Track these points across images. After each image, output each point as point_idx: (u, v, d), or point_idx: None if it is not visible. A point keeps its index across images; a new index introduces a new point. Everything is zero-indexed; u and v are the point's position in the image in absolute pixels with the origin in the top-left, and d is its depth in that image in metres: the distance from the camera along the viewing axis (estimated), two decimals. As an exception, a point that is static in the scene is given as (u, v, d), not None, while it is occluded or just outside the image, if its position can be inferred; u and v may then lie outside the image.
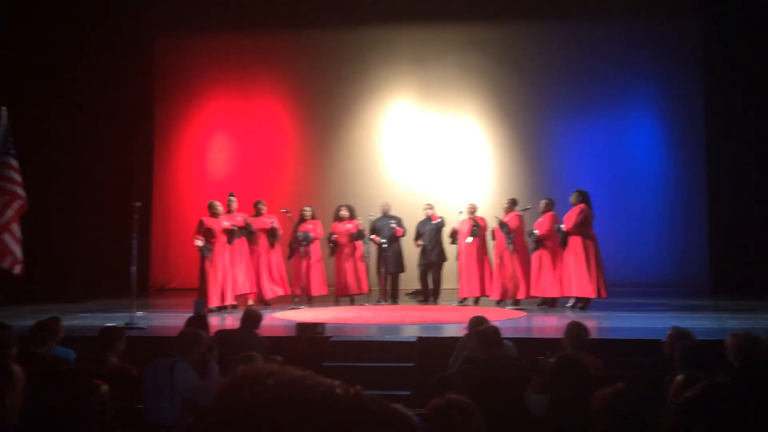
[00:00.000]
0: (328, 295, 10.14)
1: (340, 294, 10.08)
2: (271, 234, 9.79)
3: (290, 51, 13.01)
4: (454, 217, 10.12)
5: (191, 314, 6.00)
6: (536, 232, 9.36)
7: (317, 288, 9.97)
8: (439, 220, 10.14)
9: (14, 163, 8.21)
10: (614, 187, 11.96)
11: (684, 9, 11.98)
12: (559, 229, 9.16)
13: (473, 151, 12.70)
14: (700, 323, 7.42)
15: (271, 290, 9.82)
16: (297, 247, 9.83)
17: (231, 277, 9.27)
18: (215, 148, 13.19)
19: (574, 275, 9.11)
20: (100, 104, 11.81)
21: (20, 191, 8.19)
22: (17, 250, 8.08)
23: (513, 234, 9.40)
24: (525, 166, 12.51)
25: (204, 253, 9.00)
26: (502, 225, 9.47)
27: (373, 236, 10.13)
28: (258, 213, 9.88)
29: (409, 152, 12.80)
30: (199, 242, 8.99)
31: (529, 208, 9.74)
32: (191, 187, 12.84)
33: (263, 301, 9.73)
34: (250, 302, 9.55)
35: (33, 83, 11.36)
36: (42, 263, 10.40)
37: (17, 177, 8.20)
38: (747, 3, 11.09)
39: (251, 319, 5.82)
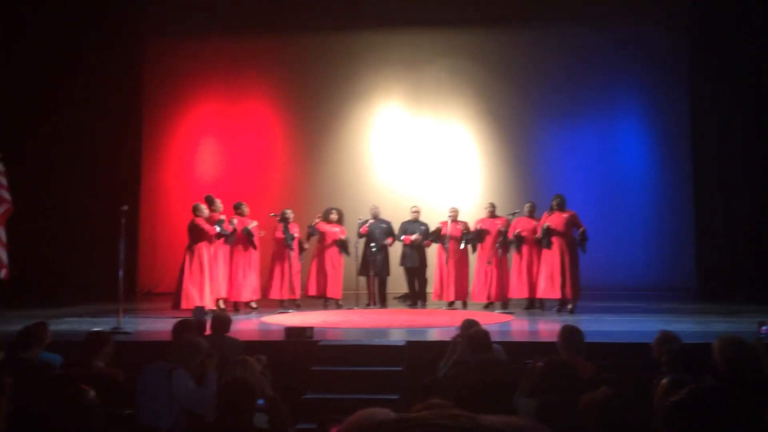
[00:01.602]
0: (312, 299, 10.13)
1: (312, 294, 10.06)
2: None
3: (280, 54, 12.99)
4: (442, 220, 10.12)
5: (180, 319, 5.95)
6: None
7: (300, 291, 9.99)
8: (417, 236, 10.09)
9: (0, 166, 8.15)
10: (602, 192, 12.02)
11: (671, 15, 12.08)
12: (582, 233, 9.19)
13: (462, 155, 12.73)
14: (687, 326, 7.47)
15: (251, 293, 9.77)
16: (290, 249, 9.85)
17: (216, 280, 9.23)
18: (203, 151, 13.14)
19: (562, 278, 9.16)
20: (88, 107, 11.76)
21: (6, 195, 8.13)
22: (3, 254, 8.02)
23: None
24: (513, 170, 12.55)
25: (226, 234, 9.14)
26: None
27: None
28: (241, 215, 9.84)
29: (398, 156, 12.81)
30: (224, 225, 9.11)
31: (517, 213, 9.80)
32: (179, 190, 12.78)
33: (248, 305, 9.72)
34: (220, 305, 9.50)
35: (21, 86, 11.30)
36: (29, 267, 10.32)
37: (3, 181, 8.14)
38: (733, 9, 11.19)
39: (221, 323, 5.75)
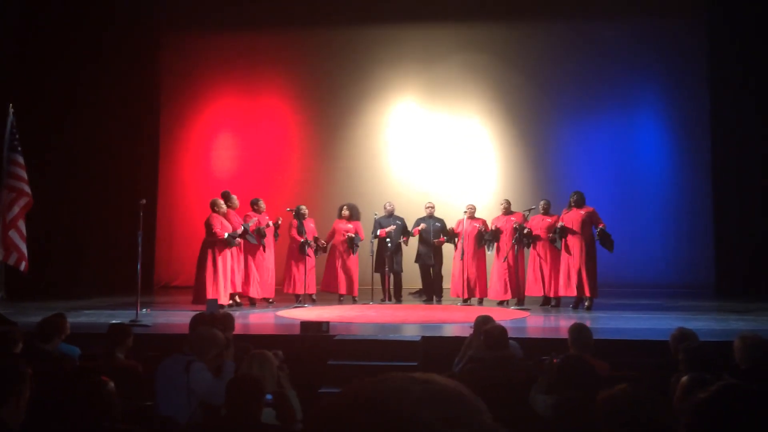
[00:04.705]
0: (327, 294, 10.16)
1: (325, 290, 10.09)
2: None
3: (295, 50, 13.00)
4: (458, 217, 10.10)
5: (196, 312, 5.97)
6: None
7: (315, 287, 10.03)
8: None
9: (20, 159, 8.24)
10: (619, 188, 11.93)
11: (690, 8, 11.95)
12: (603, 230, 9.10)
13: (478, 151, 12.68)
14: (705, 324, 7.40)
15: (264, 289, 9.79)
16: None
17: (231, 275, 9.27)
18: (220, 146, 13.19)
19: (578, 275, 9.11)
20: (106, 102, 11.86)
21: (26, 188, 8.23)
22: (22, 247, 8.11)
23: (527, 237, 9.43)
24: (530, 167, 12.49)
25: (231, 243, 9.06)
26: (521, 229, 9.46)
27: (380, 231, 10.09)
28: (258, 211, 9.84)
29: (413, 152, 12.78)
30: (237, 230, 9.07)
31: (533, 209, 9.75)
32: (196, 185, 12.85)
33: (264, 299, 9.77)
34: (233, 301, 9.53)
35: (40, 81, 11.41)
36: (48, 260, 10.44)
37: (23, 174, 8.24)
38: (753, 1, 11.05)
39: (225, 323, 5.68)
